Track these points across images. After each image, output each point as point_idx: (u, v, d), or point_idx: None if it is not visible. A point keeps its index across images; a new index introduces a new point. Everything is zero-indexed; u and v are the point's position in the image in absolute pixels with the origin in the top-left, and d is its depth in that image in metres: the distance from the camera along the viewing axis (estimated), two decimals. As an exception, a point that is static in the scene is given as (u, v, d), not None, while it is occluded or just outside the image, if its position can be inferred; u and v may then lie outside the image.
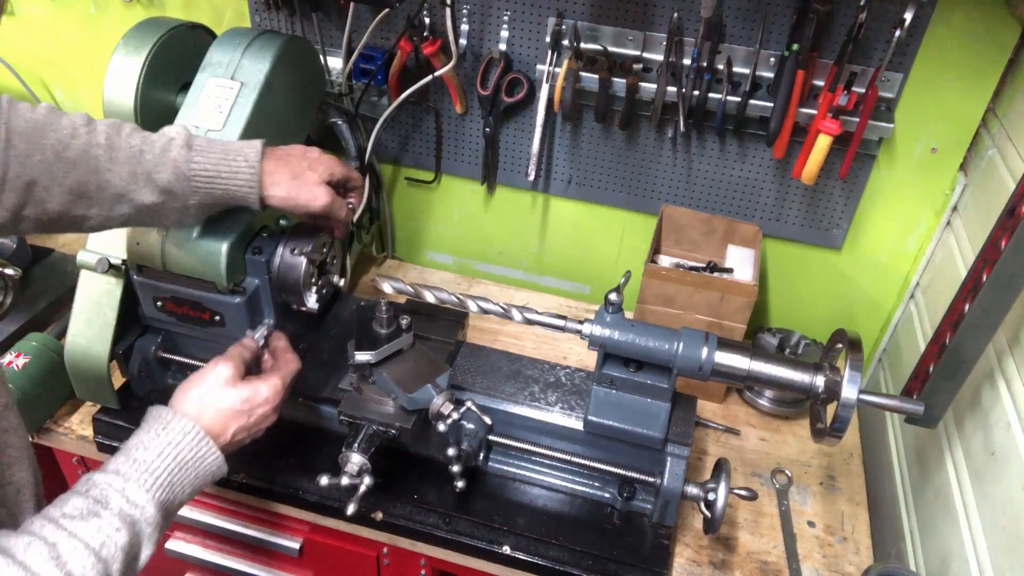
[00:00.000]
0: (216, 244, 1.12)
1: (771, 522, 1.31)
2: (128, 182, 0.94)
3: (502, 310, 1.11)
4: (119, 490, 0.78)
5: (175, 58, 1.29)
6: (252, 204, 1.01)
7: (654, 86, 1.40)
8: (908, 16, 1.21)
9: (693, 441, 1.16)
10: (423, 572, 1.31)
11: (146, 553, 0.79)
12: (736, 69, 1.37)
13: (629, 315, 1.11)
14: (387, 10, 1.48)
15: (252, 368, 1.04)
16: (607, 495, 1.22)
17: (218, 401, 0.92)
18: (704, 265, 1.50)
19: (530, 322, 1.10)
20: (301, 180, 1.03)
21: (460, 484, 1.12)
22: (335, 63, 1.60)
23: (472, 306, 1.12)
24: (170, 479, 0.83)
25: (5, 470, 0.79)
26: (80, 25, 1.80)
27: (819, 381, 1.02)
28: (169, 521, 0.84)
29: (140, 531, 0.78)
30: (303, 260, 1.16)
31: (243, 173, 0.99)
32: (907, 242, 1.51)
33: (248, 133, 1.17)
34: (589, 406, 1.15)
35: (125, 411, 1.31)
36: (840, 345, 1.05)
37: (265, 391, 0.97)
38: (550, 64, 1.44)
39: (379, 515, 1.21)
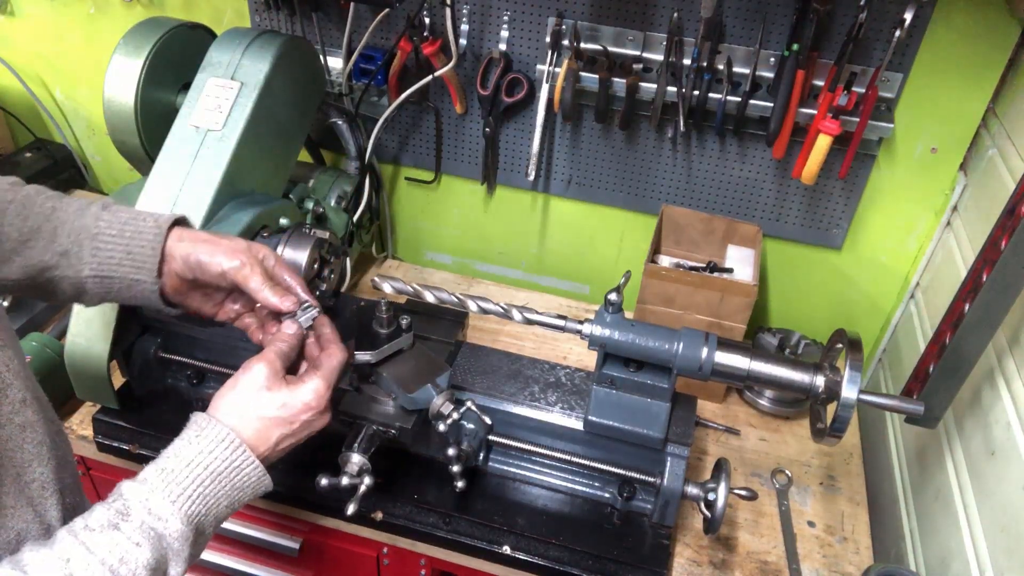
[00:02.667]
0: (216, 244, 1.12)
1: (771, 522, 1.31)
2: (28, 237, 0.86)
3: (502, 310, 1.11)
4: (142, 501, 0.73)
5: (175, 58, 1.29)
6: (149, 275, 0.89)
7: (654, 86, 1.40)
8: (908, 16, 1.21)
9: (693, 441, 1.16)
10: (423, 572, 1.31)
11: (175, 572, 0.74)
12: (736, 69, 1.37)
13: (629, 315, 1.11)
14: (387, 10, 1.48)
15: (297, 360, 0.93)
16: (607, 495, 1.22)
17: (256, 408, 0.83)
18: (704, 265, 1.50)
19: (530, 322, 1.10)
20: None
21: (460, 484, 1.12)
22: (335, 63, 1.60)
23: (472, 306, 1.12)
24: (201, 491, 0.76)
25: (25, 467, 0.76)
26: (80, 25, 1.80)
27: (819, 381, 1.02)
28: (205, 537, 0.78)
29: (166, 547, 0.73)
30: (303, 261, 1.16)
31: (148, 232, 0.90)
32: (907, 242, 1.51)
33: (248, 133, 1.18)
34: (589, 406, 1.15)
35: (125, 411, 1.31)
36: (840, 345, 1.04)
37: (306, 395, 0.86)
38: (550, 64, 1.44)
39: (379, 515, 1.21)
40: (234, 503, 0.81)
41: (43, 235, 0.87)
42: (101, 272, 0.88)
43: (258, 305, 0.94)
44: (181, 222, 0.93)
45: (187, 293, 0.93)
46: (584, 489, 1.23)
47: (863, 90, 1.32)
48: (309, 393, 0.86)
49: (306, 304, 0.93)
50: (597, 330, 1.06)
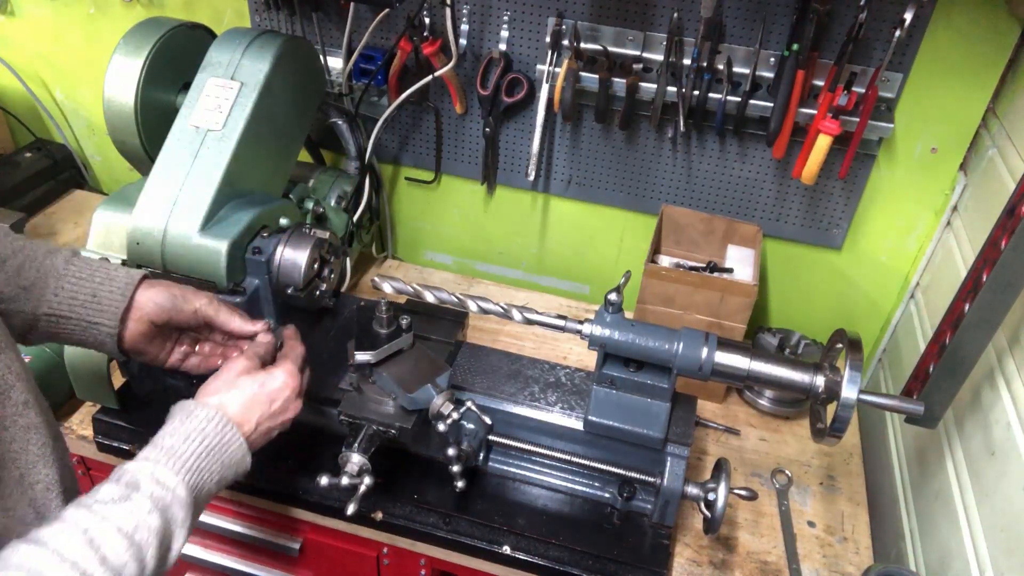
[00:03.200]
0: (216, 244, 1.12)
1: (771, 522, 1.31)
2: None
3: (502, 310, 1.11)
4: (149, 474, 0.78)
5: (175, 58, 1.29)
6: (111, 319, 0.93)
7: (654, 86, 1.40)
8: (908, 16, 1.21)
9: (693, 441, 1.16)
10: (423, 572, 1.31)
11: (178, 543, 0.79)
12: (736, 69, 1.37)
13: (629, 315, 1.11)
14: (387, 10, 1.48)
15: (270, 363, 1.02)
16: (607, 495, 1.22)
17: (238, 389, 0.92)
18: (704, 265, 1.50)
19: (530, 322, 1.10)
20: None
21: (460, 484, 1.12)
22: (335, 63, 1.60)
23: (472, 306, 1.12)
24: (198, 464, 0.83)
25: (30, 469, 0.77)
26: (80, 25, 1.80)
27: (819, 381, 1.02)
28: (200, 510, 0.84)
29: (172, 516, 0.77)
30: (303, 261, 1.16)
31: (119, 279, 0.95)
32: (907, 242, 1.51)
33: (248, 133, 1.18)
34: (589, 406, 1.15)
35: (125, 411, 1.31)
36: (840, 345, 1.05)
37: (280, 376, 0.96)
38: (550, 64, 1.44)
39: (379, 515, 1.21)
40: (222, 480, 0.87)
41: (8, 268, 0.90)
42: (59, 311, 0.92)
43: (198, 347, 1.05)
44: (148, 276, 0.99)
45: (150, 340, 0.98)
46: (584, 489, 1.23)
47: (863, 90, 1.32)
48: (283, 373, 0.96)
49: (274, 327, 1.06)
50: (597, 330, 1.06)
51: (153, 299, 0.96)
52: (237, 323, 1.01)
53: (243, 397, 0.91)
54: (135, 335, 0.96)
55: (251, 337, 1.03)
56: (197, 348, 1.05)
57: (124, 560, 0.71)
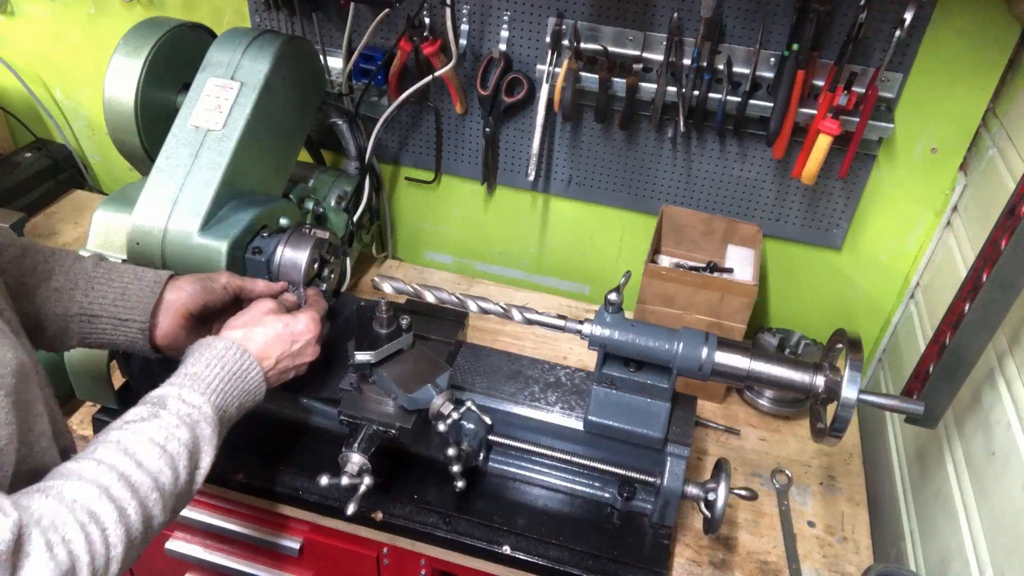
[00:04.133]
0: (216, 244, 1.12)
1: (771, 522, 1.31)
2: (23, 274, 0.92)
3: (502, 310, 1.11)
4: (176, 395, 0.83)
5: (175, 58, 1.29)
6: (141, 315, 0.97)
7: (654, 86, 1.40)
8: (908, 16, 1.21)
9: (693, 441, 1.16)
10: (423, 572, 1.31)
11: (206, 460, 0.82)
12: (736, 69, 1.37)
13: (629, 315, 1.11)
14: (387, 10, 1.48)
15: None
16: (607, 495, 1.22)
17: (261, 328, 0.97)
18: (704, 265, 1.50)
19: (530, 322, 1.10)
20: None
21: (460, 484, 1.12)
22: (335, 63, 1.60)
23: (472, 306, 1.12)
24: (221, 386, 0.87)
25: (42, 455, 0.77)
26: (80, 25, 1.80)
27: (819, 381, 1.02)
28: (223, 433, 0.87)
29: (201, 432, 0.82)
30: (303, 261, 1.16)
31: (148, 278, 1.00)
32: (907, 242, 1.51)
33: (248, 133, 1.18)
34: (589, 406, 1.15)
35: (125, 411, 1.31)
36: (840, 345, 1.05)
37: (304, 320, 1.01)
38: (550, 64, 1.44)
39: (379, 515, 1.21)
40: (242, 407, 0.91)
41: (39, 273, 0.93)
42: (90, 311, 0.95)
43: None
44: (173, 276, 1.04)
45: (189, 332, 1.01)
46: (584, 489, 1.23)
47: (863, 90, 1.32)
48: (307, 318, 1.02)
49: (293, 289, 1.13)
50: (597, 330, 1.06)
51: (184, 288, 1.00)
52: (262, 285, 1.09)
53: (267, 334, 0.96)
54: (174, 329, 0.99)
55: (275, 297, 1.09)
56: None
57: (159, 466, 0.75)
